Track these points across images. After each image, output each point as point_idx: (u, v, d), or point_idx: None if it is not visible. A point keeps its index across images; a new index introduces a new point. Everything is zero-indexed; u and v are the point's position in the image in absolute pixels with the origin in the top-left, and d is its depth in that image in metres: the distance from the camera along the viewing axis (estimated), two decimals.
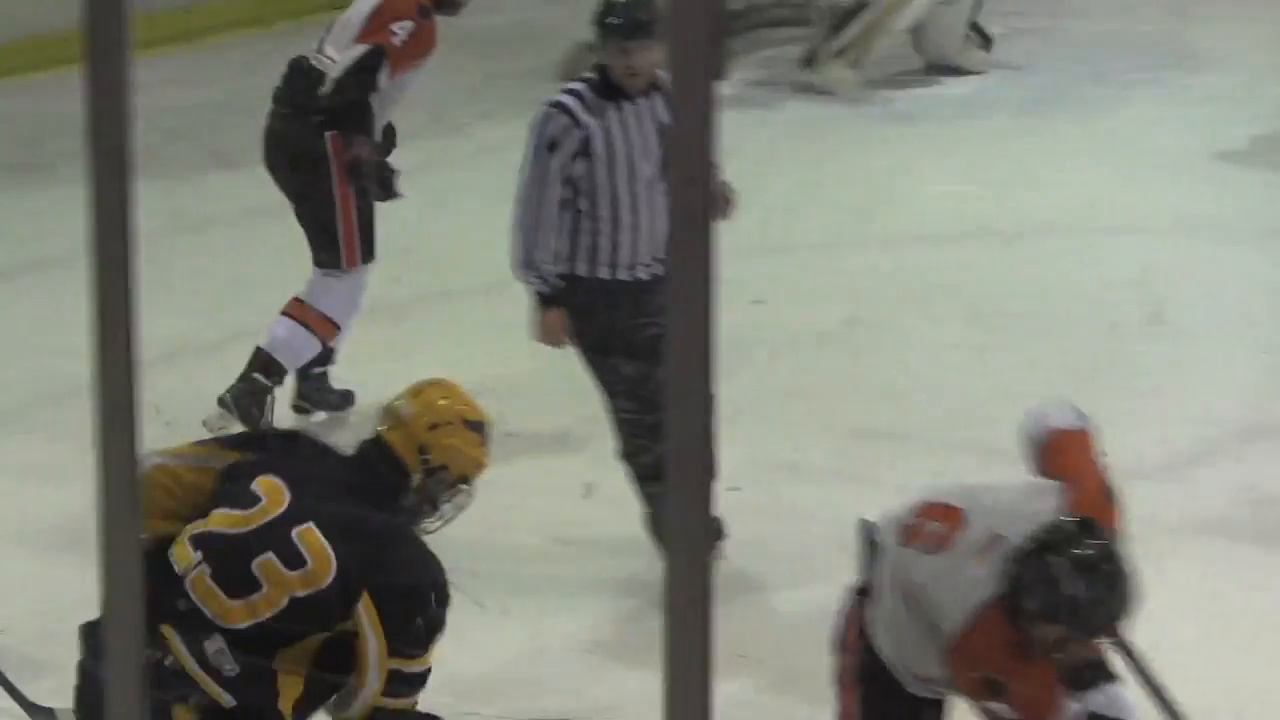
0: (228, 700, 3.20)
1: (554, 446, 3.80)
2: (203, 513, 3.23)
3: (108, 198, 1.96)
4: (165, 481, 3.34)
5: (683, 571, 1.65)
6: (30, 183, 7.52)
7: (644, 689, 2.65)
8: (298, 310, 5.15)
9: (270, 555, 3.17)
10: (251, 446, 3.42)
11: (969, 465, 5.28)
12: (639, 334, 4.45)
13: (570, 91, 4.58)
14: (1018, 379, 5.72)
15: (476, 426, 3.44)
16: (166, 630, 3.22)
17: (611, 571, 4.91)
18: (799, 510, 5.14)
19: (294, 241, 5.76)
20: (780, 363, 5.87)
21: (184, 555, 3.20)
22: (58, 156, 6.86)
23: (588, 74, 4.63)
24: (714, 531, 4.35)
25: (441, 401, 3.44)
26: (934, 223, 6.92)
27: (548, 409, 5.48)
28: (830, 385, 5.77)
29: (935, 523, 3.36)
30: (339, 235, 5.31)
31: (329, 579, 3.16)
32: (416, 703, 3.37)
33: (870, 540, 3.41)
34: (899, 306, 6.31)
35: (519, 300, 5.04)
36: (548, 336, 4.56)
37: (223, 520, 3.18)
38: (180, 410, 4.97)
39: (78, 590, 3.35)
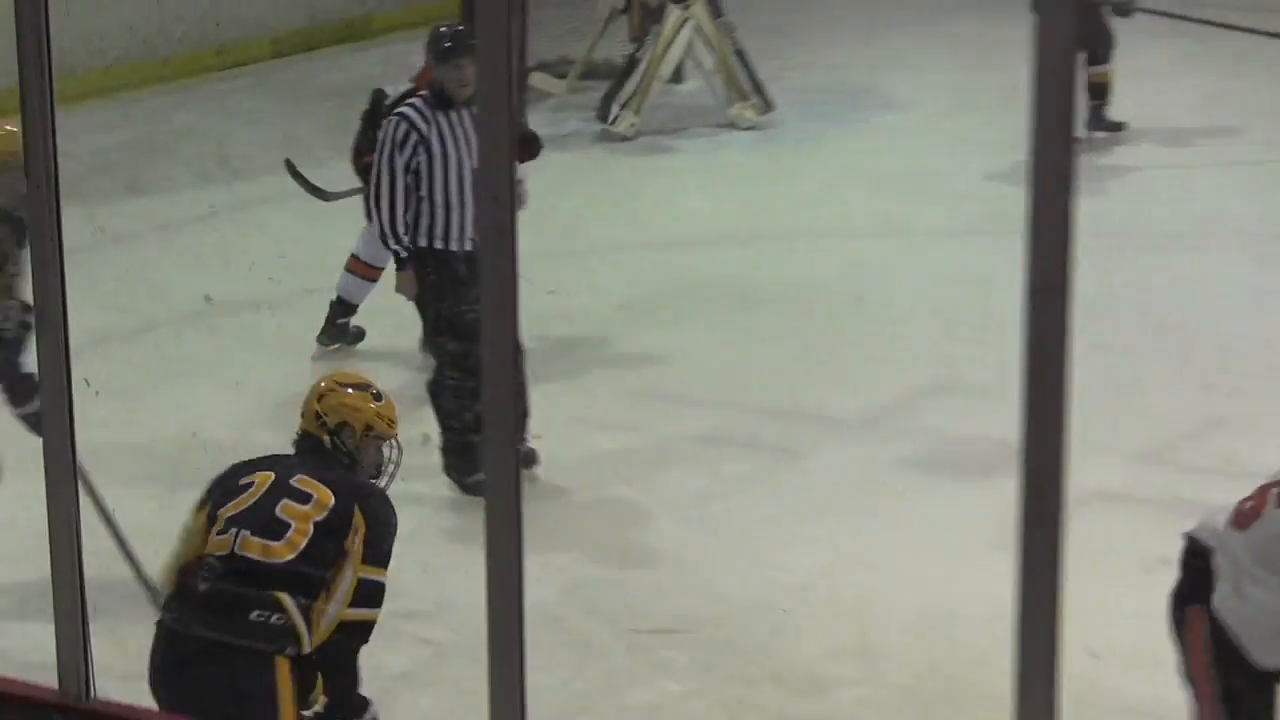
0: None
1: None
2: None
3: (40, 221, 2.00)
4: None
5: (500, 496, 1.69)
6: None
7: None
8: (351, 263, 5.72)
9: (285, 500, 3.21)
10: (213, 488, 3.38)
11: (728, 418, 5.51)
12: (464, 316, 4.66)
13: (412, 104, 4.80)
14: (757, 350, 5.99)
15: (359, 386, 3.49)
16: (281, 596, 3.16)
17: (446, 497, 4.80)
18: (593, 452, 5.23)
19: (195, 251, 5.72)
20: (571, 339, 5.75)
21: (221, 543, 3.19)
22: None
23: (426, 89, 4.87)
24: (528, 459, 4.67)
25: (323, 381, 3.52)
26: (690, 231, 6.90)
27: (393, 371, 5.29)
28: (612, 356, 5.71)
29: (1249, 501, 3.08)
30: None
31: (333, 500, 3.19)
32: (377, 617, 3.26)
33: (1197, 545, 3.09)
34: (664, 295, 6.75)
35: None
36: (404, 290, 4.83)
37: (233, 506, 3.20)
38: (106, 383, 4.90)
39: None
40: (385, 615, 3.27)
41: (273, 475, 3.26)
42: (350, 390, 3.43)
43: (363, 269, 5.72)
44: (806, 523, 4.64)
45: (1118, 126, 7.66)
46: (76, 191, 5.86)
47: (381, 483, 3.38)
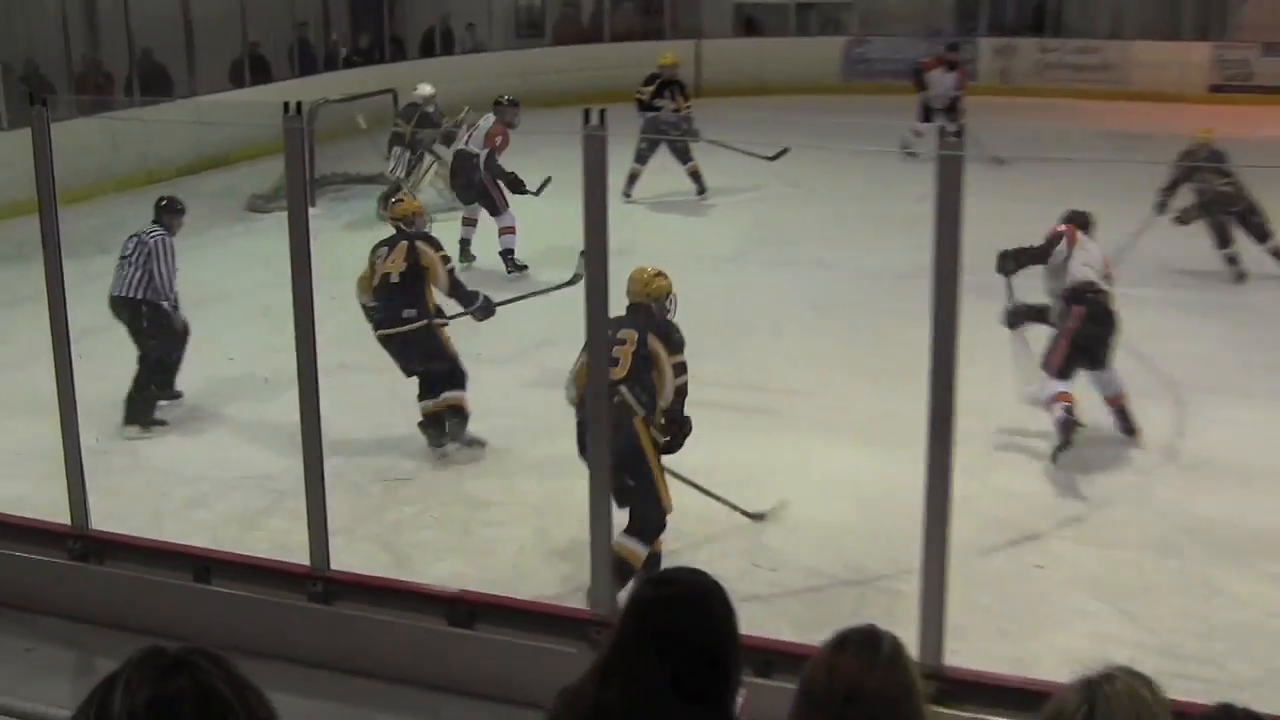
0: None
1: None
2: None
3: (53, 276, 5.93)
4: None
5: None
6: None
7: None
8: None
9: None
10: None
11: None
12: None
13: None
14: (462, 322, 9.24)
15: (656, 273, 6.61)
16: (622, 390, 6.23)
17: None
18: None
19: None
20: None
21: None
22: None
23: None
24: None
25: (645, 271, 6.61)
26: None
27: None
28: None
29: None
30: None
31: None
32: (687, 388, 6.46)
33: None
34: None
35: None
36: None
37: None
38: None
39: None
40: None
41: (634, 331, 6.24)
42: (654, 275, 6.49)
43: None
44: (476, 416, 8.29)
45: None
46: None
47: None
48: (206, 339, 9.71)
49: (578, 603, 5.73)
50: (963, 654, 5.10)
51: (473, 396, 8.24)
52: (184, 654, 1.82)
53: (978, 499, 6.87)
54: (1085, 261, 8.00)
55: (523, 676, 5.17)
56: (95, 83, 16.71)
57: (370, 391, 8.74)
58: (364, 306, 8.10)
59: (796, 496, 7.22)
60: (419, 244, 8.07)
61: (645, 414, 6.12)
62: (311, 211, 5.63)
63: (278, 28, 19.71)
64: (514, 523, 7.08)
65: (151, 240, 8.65)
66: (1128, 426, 8.07)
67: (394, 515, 7.21)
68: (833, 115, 19.84)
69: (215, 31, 18.59)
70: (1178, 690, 2.74)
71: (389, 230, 8.34)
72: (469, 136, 12.51)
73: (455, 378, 8.09)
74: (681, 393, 6.27)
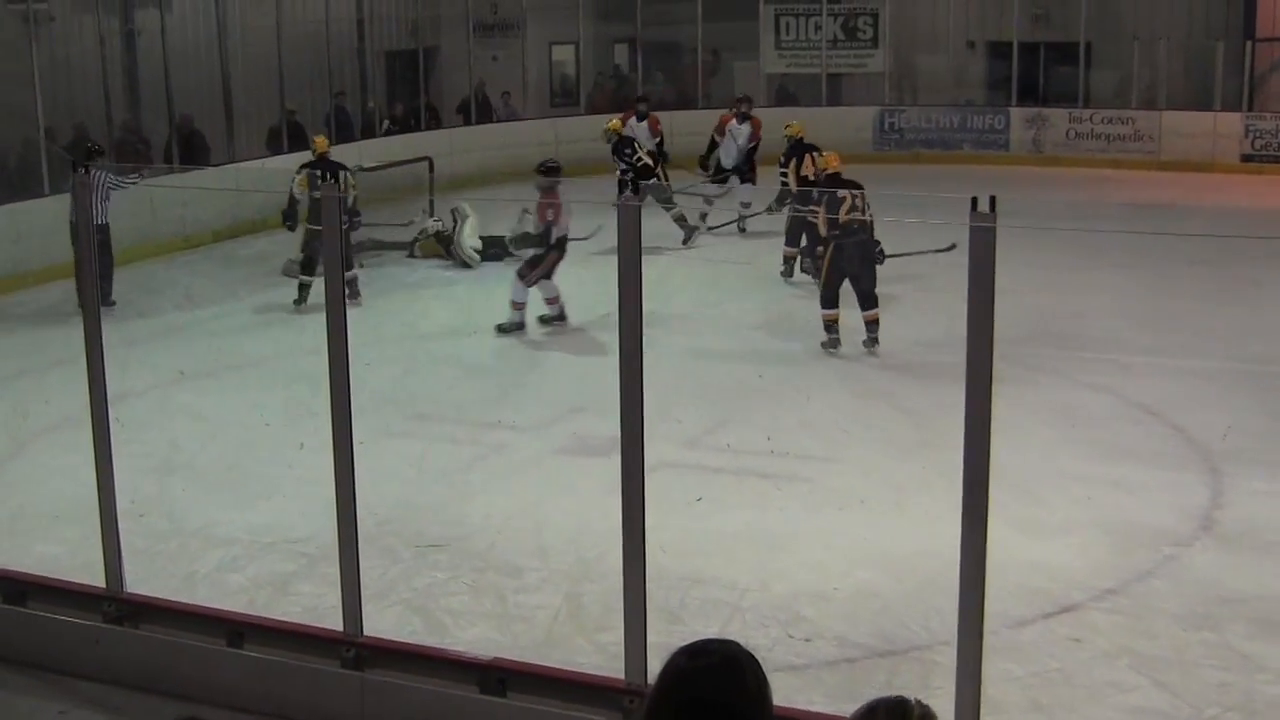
0: None
1: None
2: None
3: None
4: None
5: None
6: None
7: None
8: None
9: None
10: None
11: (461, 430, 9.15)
12: None
13: None
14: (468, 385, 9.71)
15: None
16: None
17: None
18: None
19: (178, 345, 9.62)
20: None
21: None
22: None
23: None
24: None
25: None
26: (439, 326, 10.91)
27: None
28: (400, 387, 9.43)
29: None
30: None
31: None
32: None
33: None
34: (427, 362, 10.54)
35: None
36: None
37: None
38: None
39: None
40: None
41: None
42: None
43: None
44: (504, 483, 8.41)
45: None
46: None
47: None
48: (242, 403, 9.77)
49: (614, 672, 5.71)
50: None
51: (503, 463, 8.27)
52: None
53: (1010, 569, 6.80)
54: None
55: None
56: (134, 149, 16.95)
57: (403, 457, 8.80)
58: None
59: (828, 566, 7.19)
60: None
61: None
62: (348, 275, 5.69)
63: (316, 95, 19.97)
64: (547, 590, 7.06)
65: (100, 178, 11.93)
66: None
67: (426, 581, 7.19)
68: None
69: (253, 99, 18.89)
70: None
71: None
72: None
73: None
74: None
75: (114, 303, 12.90)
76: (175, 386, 10.56)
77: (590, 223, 12.48)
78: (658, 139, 17.50)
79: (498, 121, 22.55)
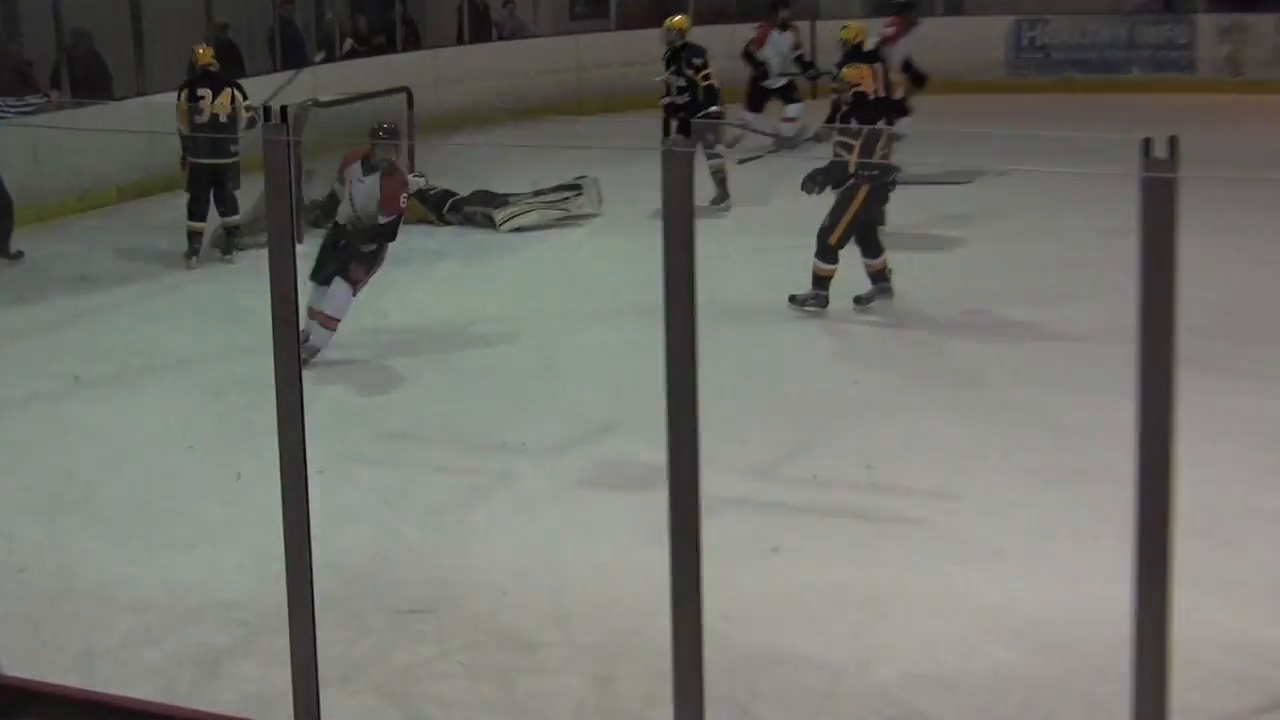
0: None
1: None
2: None
3: None
4: None
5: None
6: None
7: None
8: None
9: None
10: None
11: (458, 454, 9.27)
12: None
13: None
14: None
15: None
16: None
17: None
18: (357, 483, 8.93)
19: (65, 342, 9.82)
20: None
21: None
22: None
23: None
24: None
25: None
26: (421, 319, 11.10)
27: None
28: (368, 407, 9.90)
29: None
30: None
31: None
32: None
33: None
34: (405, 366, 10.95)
35: None
36: None
37: None
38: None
39: None
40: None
41: None
42: None
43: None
44: (512, 525, 8.42)
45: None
46: None
47: None
48: (158, 419, 9.79)
49: None
50: None
51: (509, 499, 8.29)
52: None
53: (1204, 647, 6.70)
54: None
55: None
56: (18, 74, 16.99)
57: (376, 492, 8.84)
58: None
59: (950, 641, 7.16)
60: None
61: None
62: (299, 249, 5.69)
63: (253, 6, 20.02)
64: (568, 670, 7.03)
65: None
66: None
67: (406, 658, 7.17)
68: (998, 118, 19.88)
69: (172, 10, 18.91)
70: None
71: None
72: None
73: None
74: None
75: (20, 254, 14.29)
76: (69, 396, 10.62)
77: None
78: (798, 52, 18.06)
79: (499, 39, 22.58)
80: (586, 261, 13.13)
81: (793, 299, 12.21)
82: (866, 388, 10.60)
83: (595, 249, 13.94)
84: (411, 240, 14.80)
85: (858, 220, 12.08)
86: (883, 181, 12.24)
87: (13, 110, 14.98)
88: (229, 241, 14.60)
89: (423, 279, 13.76)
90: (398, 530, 8.47)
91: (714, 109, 15.65)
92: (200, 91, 14.51)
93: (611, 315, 12.16)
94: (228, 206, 14.65)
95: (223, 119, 14.34)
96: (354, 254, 11.17)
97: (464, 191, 15.92)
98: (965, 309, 12.45)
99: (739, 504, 8.33)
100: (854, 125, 12.43)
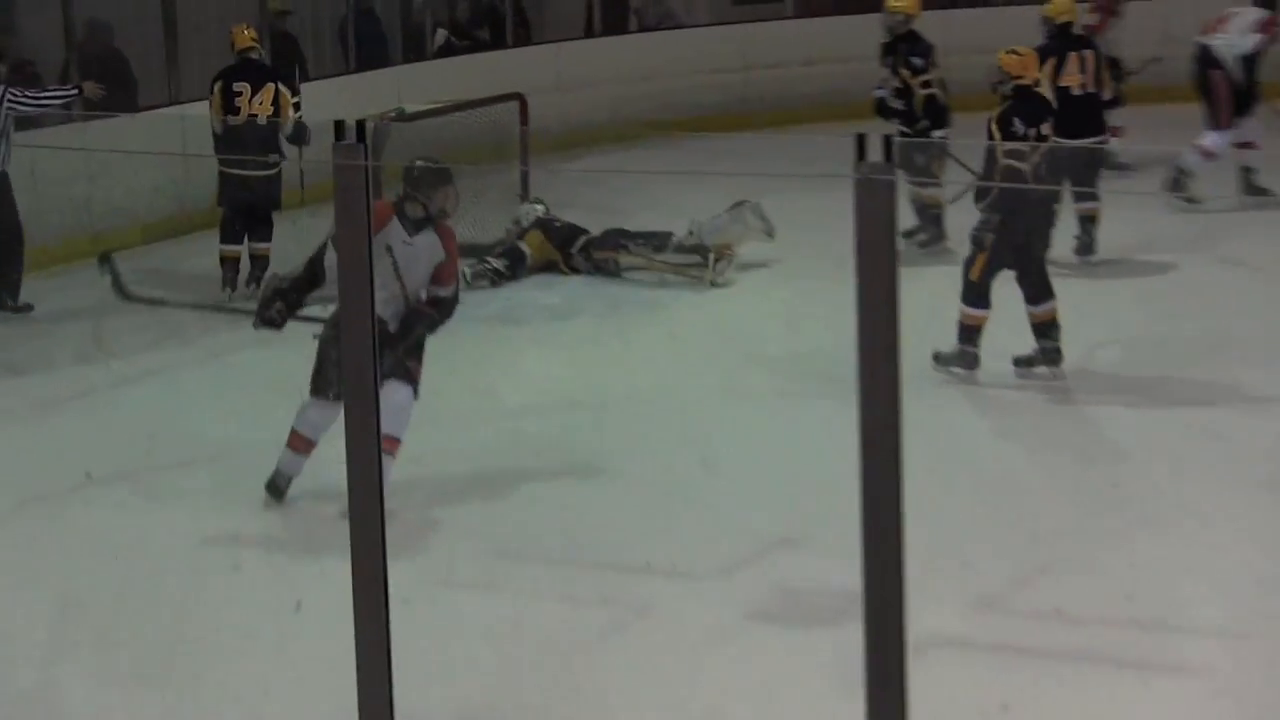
0: None
1: None
2: None
3: None
4: None
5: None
6: None
7: None
8: None
9: None
10: None
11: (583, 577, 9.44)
12: None
13: None
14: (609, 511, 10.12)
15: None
16: None
17: None
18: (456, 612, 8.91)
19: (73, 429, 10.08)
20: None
21: None
22: None
23: None
24: None
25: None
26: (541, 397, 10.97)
27: None
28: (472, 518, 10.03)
29: None
30: None
31: None
32: None
33: None
34: (520, 460, 10.88)
35: None
36: None
37: None
38: None
39: None
40: None
41: None
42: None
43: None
44: (659, 675, 8.37)
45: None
46: None
47: None
48: (193, 530, 9.88)
49: None
50: None
51: (655, 637, 8.35)
52: None
53: None
54: None
55: None
56: (18, 73, 17.25)
57: (479, 627, 8.80)
58: None
59: None
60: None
61: None
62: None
63: None
64: None
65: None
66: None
67: None
68: None
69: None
70: None
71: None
72: None
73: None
74: None
75: (30, 307, 14.78)
76: (75, 496, 10.65)
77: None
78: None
79: (641, 30, 22.63)
80: (754, 320, 13.04)
81: (937, 358, 12.24)
82: (1126, 491, 10.49)
83: (765, 303, 13.84)
84: (524, 292, 14.89)
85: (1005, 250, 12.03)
86: (1043, 200, 12.20)
87: (31, 104, 14.92)
88: (257, 278, 14.55)
89: (539, 343, 13.81)
90: (509, 676, 8.39)
91: (939, 134, 15.45)
92: (237, 86, 14.82)
93: (787, 392, 12.08)
94: (259, 231, 14.91)
95: (262, 121, 14.55)
96: (404, 344, 10.19)
97: (595, 229, 15.75)
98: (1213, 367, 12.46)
99: (959, 646, 8.27)
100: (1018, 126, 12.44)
